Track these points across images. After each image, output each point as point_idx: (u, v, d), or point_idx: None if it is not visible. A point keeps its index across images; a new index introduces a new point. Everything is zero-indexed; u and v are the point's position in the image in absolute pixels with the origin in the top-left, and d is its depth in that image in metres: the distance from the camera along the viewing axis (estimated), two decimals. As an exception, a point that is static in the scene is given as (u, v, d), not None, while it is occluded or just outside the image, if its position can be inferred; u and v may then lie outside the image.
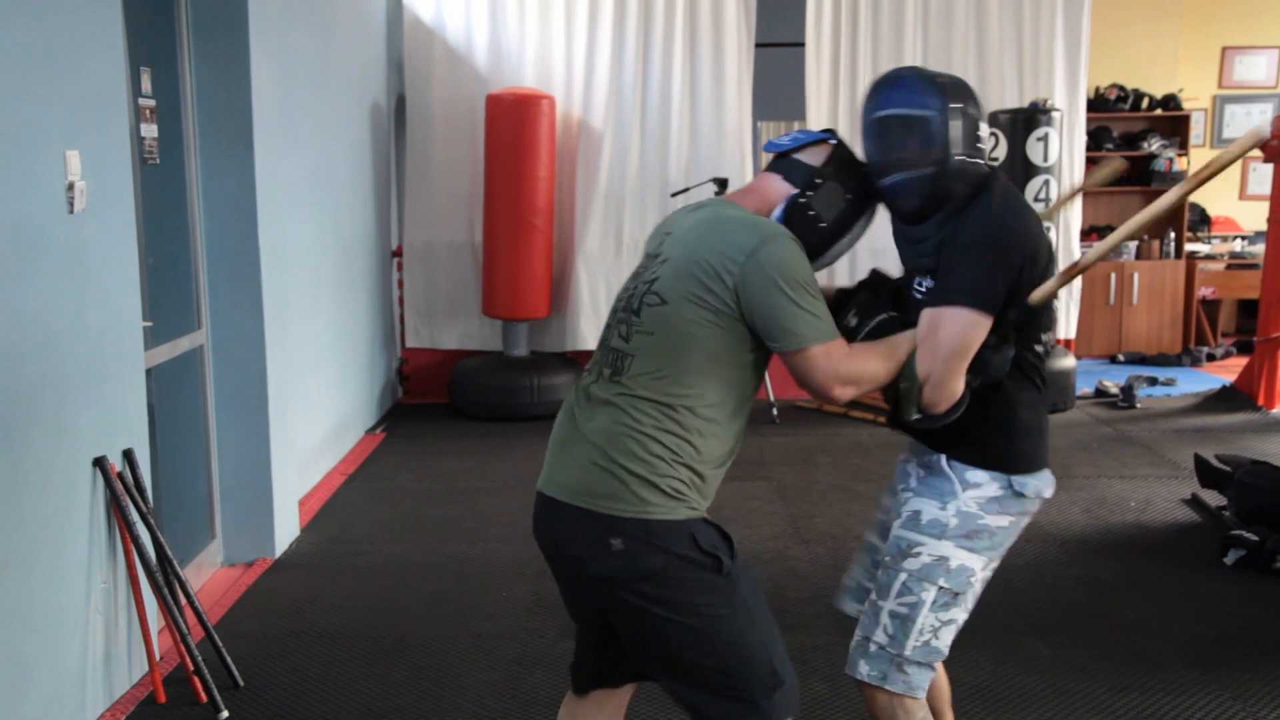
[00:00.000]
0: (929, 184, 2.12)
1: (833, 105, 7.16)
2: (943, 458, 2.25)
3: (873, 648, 2.25)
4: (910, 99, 2.13)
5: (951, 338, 2.08)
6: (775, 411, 6.59)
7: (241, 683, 3.35)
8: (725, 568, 2.06)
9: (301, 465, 4.97)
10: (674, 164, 7.04)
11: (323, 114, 5.52)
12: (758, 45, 7.16)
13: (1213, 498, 4.81)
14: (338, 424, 5.76)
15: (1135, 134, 8.99)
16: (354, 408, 6.17)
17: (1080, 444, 6.03)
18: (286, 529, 4.50)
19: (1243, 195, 9.48)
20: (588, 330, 7.01)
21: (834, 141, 2.19)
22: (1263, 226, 7.38)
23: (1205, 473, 4.79)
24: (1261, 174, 8.72)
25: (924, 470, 2.30)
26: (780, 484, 5.36)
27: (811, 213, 2.16)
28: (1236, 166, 9.39)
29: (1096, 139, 8.62)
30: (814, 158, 2.18)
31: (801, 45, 7.18)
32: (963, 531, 2.22)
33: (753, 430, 6.35)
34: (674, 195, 6.45)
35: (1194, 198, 9.03)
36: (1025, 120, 6.73)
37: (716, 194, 6.44)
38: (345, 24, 6.06)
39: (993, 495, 2.24)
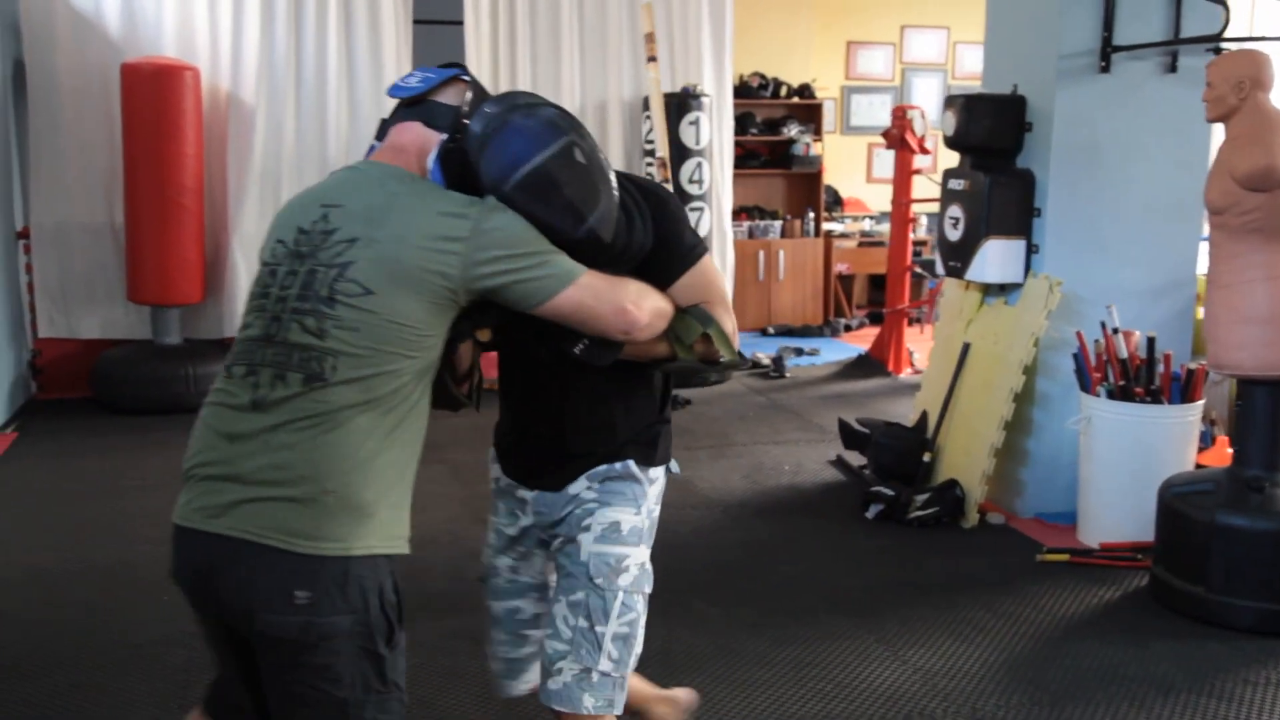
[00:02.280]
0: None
1: (494, 82, 7.17)
2: (630, 463, 2.15)
3: (596, 677, 2.09)
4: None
5: (722, 284, 2.15)
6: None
7: None
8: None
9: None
10: (333, 140, 6.82)
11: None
12: (416, 22, 7.04)
13: (854, 458, 5.25)
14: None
15: (777, 119, 9.60)
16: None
17: (737, 413, 6.39)
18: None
19: (869, 178, 10.34)
20: (246, 315, 6.67)
21: (466, 78, 2.01)
22: (888, 207, 8.09)
23: (847, 435, 5.21)
24: (884, 159, 9.55)
25: (593, 481, 2.15)
26: (455, 465, 5.33)
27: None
28: (862, 151, 10.23)
29: (742, 124, 9.12)
30: (452, 97, 1.97)
31: (460, 23, 7.14)
32: (651, 531, 2.23)
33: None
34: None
35: (828, 179, 9.76)
36: (678, 105, 7.03)
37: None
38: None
39: (661, 488, 2.26)
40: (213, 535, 1.77)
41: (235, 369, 1.86)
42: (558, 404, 2.15)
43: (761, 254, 9.08)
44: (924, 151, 7.56)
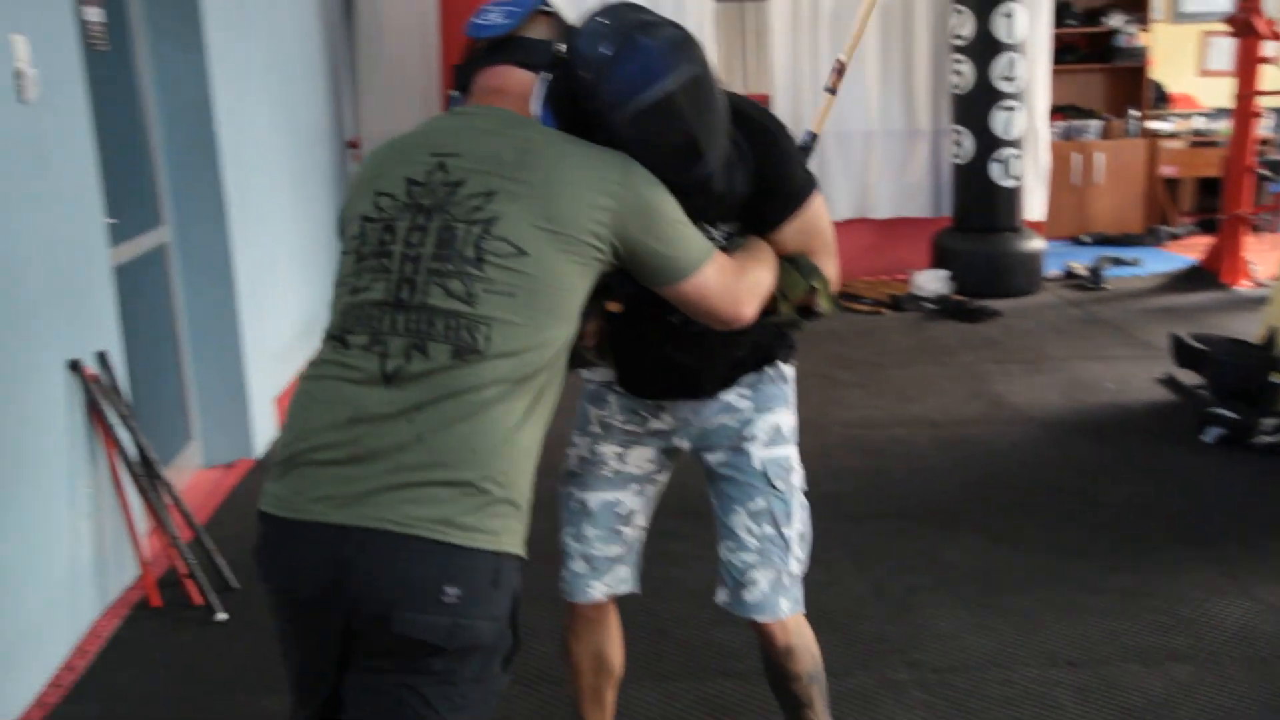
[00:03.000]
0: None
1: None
2: (778, 362, 2.09)
3: (788, 580, 2.06)
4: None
5: (829, 226, 1.97)
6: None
7: (236, 584, 3.29)
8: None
9: (279, 362, 4.85)
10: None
11: (274, -3, 5.26)
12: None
13: (1188, 377, 4.85)
14: (304, 322, 5.62)
15: (1096, 9, 8.88)
16: (319, 305, 6.02)
17: (1052, 326, 6.05)
18: (264, 428, 4.41)
19: (1201, 71, 9.43)
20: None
21: (548, 9, 1.76)
22: (1224, 103, 7.35)
23: (1182, 352, 4.82)
24: (1219, 49, 8.66)
25: (744, 387, 2.06)
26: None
27: None
28: (1193, 41, 9.33)
29: (1058, 14, 8.49)
30: (542, 31, 1.72)
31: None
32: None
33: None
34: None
35: (1153, 74, 8.98)
36: (991, -6, 6.58)
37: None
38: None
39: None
40: (344, 527, 1.50)
41: (352, 338, 1.57)
42: (687, 352, 2.00)
43: (1077, 157, 8.49)
44: (1275, 37, 6.78)
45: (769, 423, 2.07)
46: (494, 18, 1.72)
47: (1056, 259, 7.36)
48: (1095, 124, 8.66)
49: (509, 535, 1.55)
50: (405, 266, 1.56)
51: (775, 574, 2.05)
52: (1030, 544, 3.51)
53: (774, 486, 2.06)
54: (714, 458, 2.10)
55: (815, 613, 3.05)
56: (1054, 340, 5.76)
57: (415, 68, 6.78)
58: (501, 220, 1.55)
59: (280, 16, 5.41)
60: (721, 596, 2.11)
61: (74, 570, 2.97)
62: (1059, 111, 8.67)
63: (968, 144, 6.72)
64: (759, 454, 2.06)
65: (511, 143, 1.62)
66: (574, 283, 1.59)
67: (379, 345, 1.54)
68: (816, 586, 3.19)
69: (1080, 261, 7.23)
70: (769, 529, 2.05)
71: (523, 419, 1.57)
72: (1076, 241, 8.37)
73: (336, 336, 1.59)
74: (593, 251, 1.60)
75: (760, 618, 2.06)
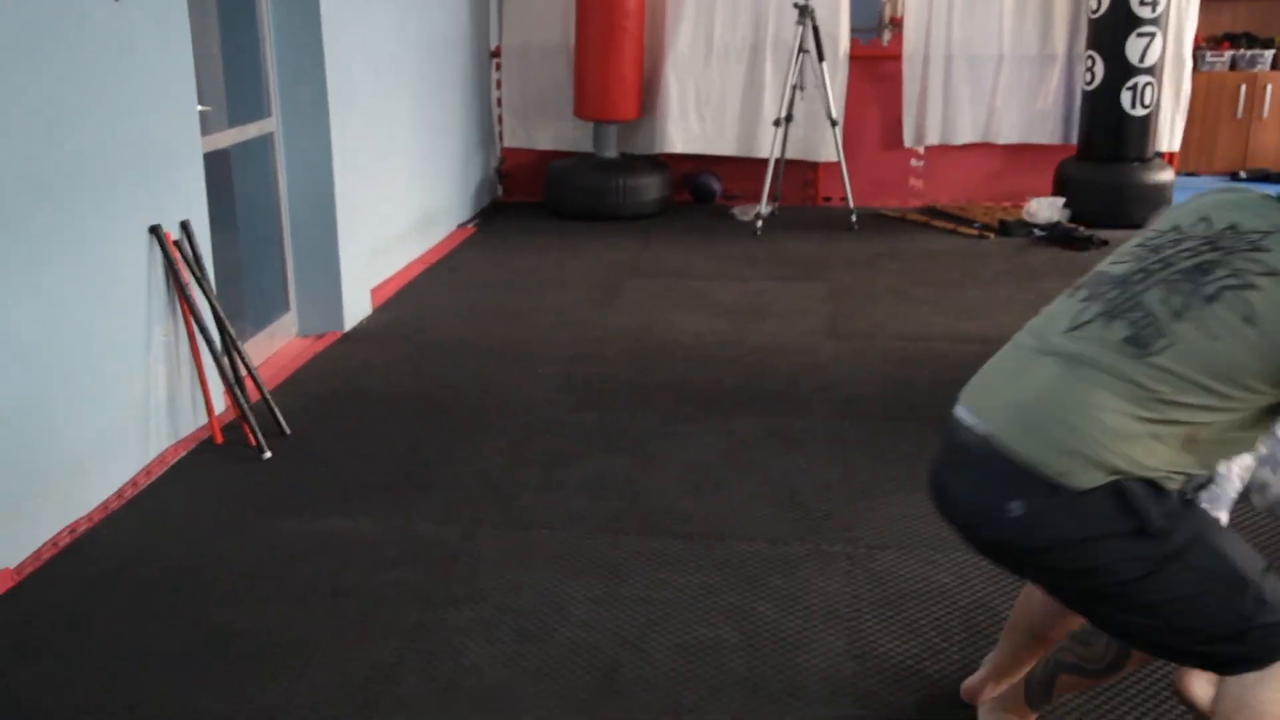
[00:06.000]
0: None
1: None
2: None
3: None
4: None
5: None
6: (855, 219, 6.63)
7: (289, 431, 3.78)
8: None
9: (380, 253, 5.34)
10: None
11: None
12: None
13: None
14: (423, 217, 6.10)
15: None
16: (445, 203, 6.49)
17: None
18: (356, 308, 4.90)
19: None
20: (674, 133, 7.11)
21: None
22: None
23: None
24: None
25: None
26: (836, 285, 5.48)
27: None
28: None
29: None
30: None
31: None
32: None
33: (827, 236, 6.46)
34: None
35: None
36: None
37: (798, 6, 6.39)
38: None
39: None
40: None
41: (1079, 294, 1.83)
42: None
43: (1244, 87, 8.08)
44: None
45: None
46: None
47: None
48: (1268, 54, 8.19)
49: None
50: (1155, 264, 1.74)
51: None
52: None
53: None
54: None
55: (783, 492, 3.33)
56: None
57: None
58: (1259, 291, 1.62)
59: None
60: None
61: (147, 403, 3.50)
62: (1229, 39, 8.27)
63: (1099, 70, 6.56)
64: None
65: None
66: (1263, 388, 1.63)
67: (1087, 303, 1.78)
68: (794, 471, 3.47)
69: (1218, 196, 6.95)
70: None
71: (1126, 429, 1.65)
72: (1233, 176, 8.01)
73: (1075, 290, 1.86)
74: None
75: None
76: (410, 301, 5.32)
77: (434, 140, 6.27)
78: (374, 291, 5.18)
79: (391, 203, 5.57)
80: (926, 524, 3.13)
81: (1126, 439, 1.65)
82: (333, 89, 4.59)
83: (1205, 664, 1.79)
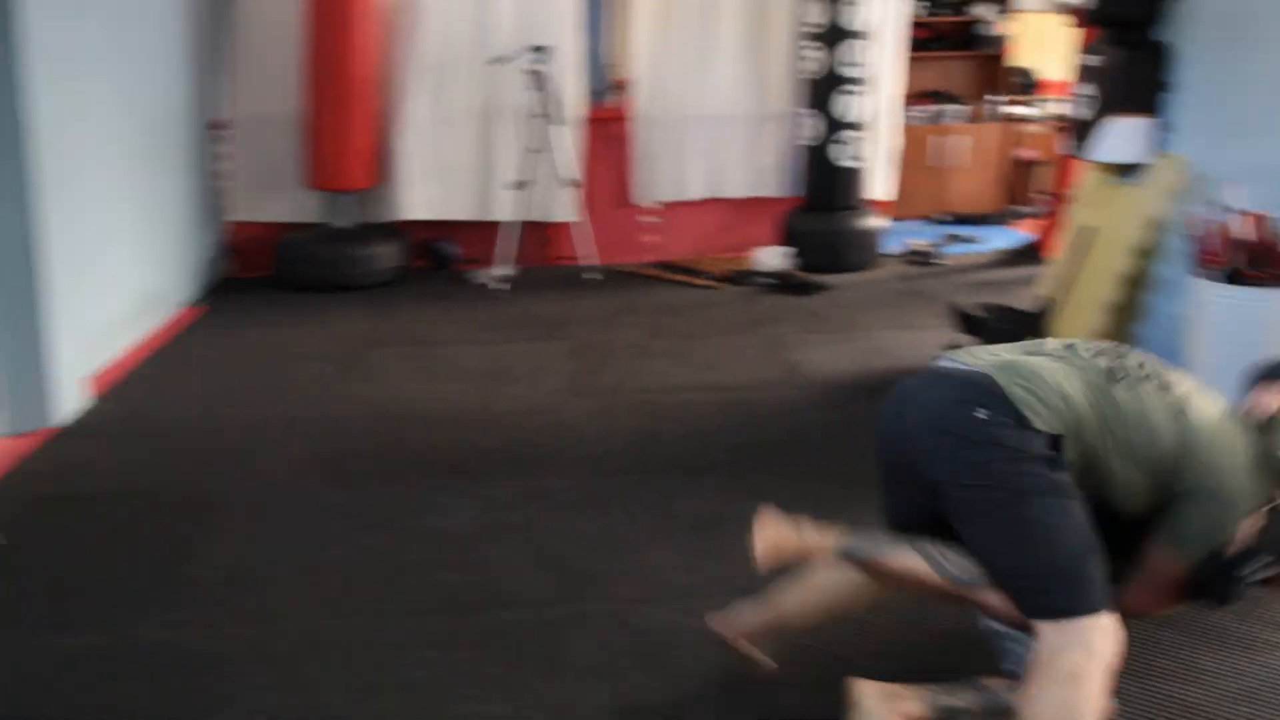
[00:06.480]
0: None
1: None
2: None
3: None
4: None
5: None
6: (594, 276, 6.76)
7: (2, 541, 3.49)
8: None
9: (101, 338, 5.03)
10: (496, 32, 7.03)
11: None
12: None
13: (970, 341, 5.14)
14: (148, 297, 5.79)
15: (961, -1, 9.17)
16: (171, 281, 6.19)
17: (873, 299, 6.36)
18: (71, 399, 4.57)
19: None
20: (411, 200, 7.06)
21: None
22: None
23: (963, 320, 5.11)
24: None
25: None
26: (578, 343, 5.57)
27: None
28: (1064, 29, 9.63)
29: (932, 3, 8.77)
30: None
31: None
32: None
33: (566, 294, 6.56)
34: (489, 64, 6.54)
35: (1022, 60, 9.29)
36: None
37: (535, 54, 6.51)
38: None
39: None
40: None
41: None
42: None
43: (935, 139, 8.79)
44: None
45: None
46: None
47: (906, 237, 7.64)
48: (954, 108, 8.96)
49: None
50: (1134, 376, 2.34)
51: None
52: (769, 494, 3.75)
53: None
54: None
55: (542, 554, 3.33)
56: (869, 312, 6.05)
57: (288, 51, 6.91)
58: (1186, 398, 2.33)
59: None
60: None
61: None
62: (926, 96, 8.98)
63: (813, 126, 6.99)
64: None
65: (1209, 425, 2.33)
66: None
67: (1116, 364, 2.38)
68: (550, 533, 3.48)
69: (923, 239, 7.53)
70: None
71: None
72: (931, 220, 8.67)
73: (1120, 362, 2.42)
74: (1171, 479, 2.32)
75: None
76: (136, 388, 5.03)
77: (154, 216, 5.98)
78: (95, 379, 4.87)
79: (114, 284, 5.27)
80: (682, 574, 3.22)
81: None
82: (46, 163, 4.32)
83: (1022, 597, 2.17)
